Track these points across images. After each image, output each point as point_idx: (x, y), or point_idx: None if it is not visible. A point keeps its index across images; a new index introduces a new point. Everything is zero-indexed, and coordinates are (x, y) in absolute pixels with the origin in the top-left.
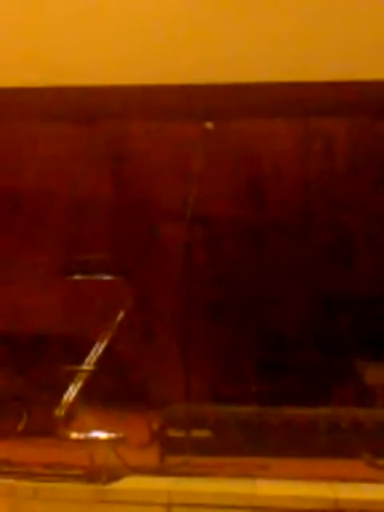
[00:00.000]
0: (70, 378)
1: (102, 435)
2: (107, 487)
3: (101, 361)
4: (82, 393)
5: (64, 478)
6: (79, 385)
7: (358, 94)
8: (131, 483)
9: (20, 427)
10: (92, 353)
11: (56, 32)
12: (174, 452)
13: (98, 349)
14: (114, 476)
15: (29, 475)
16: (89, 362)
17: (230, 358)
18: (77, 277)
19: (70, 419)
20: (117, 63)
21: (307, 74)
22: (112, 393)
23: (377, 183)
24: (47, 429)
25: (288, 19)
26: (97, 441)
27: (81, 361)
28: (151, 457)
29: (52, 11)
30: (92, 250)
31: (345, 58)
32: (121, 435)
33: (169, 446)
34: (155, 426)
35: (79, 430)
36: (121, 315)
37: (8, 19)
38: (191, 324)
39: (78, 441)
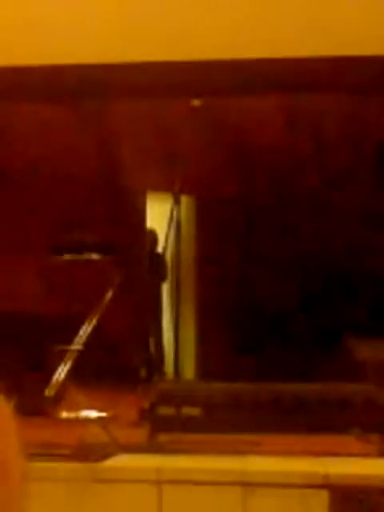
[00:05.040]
0: (60, 358)
1: (92, 414)
2: (98, 465)
3: (90, 340)
4: (71, 372)
5: (54, 457)
6: (69, 364)
7: (346, 69)
8: (121, 461)
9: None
10: (81, 332)
11: (41, 10)
12: (164, 429)
13: (87, 328)
14: (105, 454)
15: None
16: (78, 342)
17: (219, 333)
18: (65, 256)
19: (59, 399)
20: (99, 40)
21: (295, 49)
22: (102, 372)
23: (366, 159)
24: (37, 408)
25: None
26: (87, 420)
27: (70, 340)
28: (141, 435)
29: None
30: (79, 229)
31: (334, 33)
32: (111, 414)
33: (159, 424)
34: (145, 403)
35: (69, 409)
36: (109, 294)
37: None
38: (180, 301)
39: (68, 420)
